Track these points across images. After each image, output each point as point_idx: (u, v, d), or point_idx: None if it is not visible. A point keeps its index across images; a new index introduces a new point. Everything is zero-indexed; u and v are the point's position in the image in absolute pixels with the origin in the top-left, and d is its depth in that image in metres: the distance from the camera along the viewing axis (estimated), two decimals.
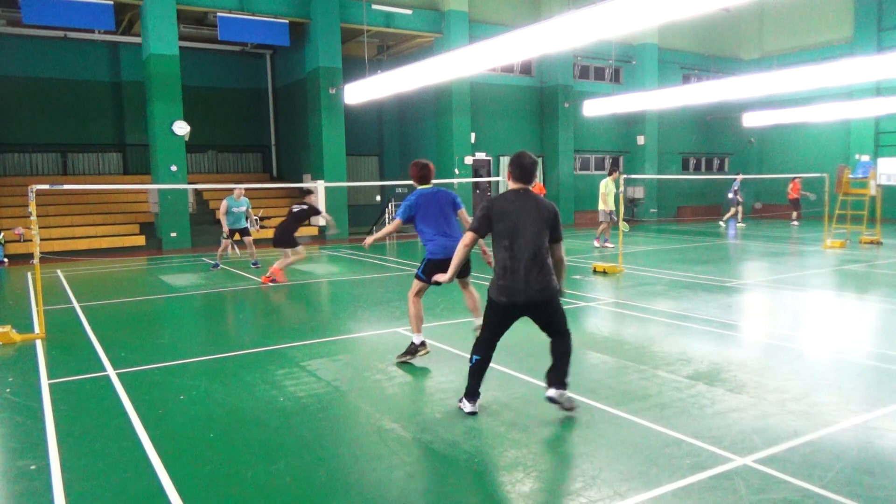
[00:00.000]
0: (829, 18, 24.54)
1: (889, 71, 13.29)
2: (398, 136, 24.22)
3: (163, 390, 5.15)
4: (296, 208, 10.58)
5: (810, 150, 25.58)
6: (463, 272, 5.69)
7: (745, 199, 21.97)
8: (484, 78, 21.53)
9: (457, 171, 20.32)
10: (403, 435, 4.13)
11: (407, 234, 18.55)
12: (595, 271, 11.13)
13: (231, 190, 12.14)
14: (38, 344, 6.72)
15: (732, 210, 21.46)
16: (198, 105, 19.79)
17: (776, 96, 24.95)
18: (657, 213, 25.99)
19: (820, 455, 3.71)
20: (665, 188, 26.55)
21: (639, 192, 25.33)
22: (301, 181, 20.42)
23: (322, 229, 19.16)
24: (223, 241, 12.38)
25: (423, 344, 5.74)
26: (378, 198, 22.72)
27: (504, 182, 22.40)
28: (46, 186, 7.65)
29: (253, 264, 12.30)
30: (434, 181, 5.95)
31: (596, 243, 15.22)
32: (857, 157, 22.59)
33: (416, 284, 5.75)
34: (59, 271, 12.61)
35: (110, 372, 5.67)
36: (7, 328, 6.85)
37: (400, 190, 21.86)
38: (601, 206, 14.85)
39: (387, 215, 20.26)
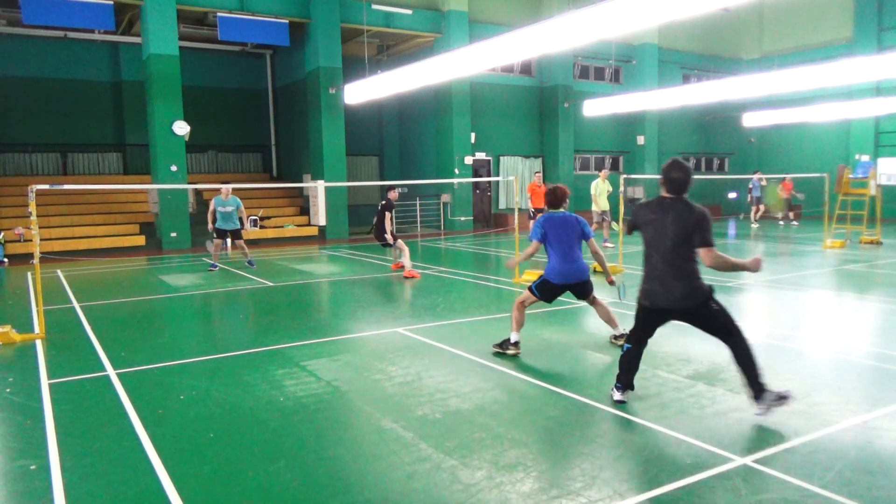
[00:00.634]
0: (829, 18, 24.53)
1: (889, 71, 13.31)
2: (398, 136, 24.22)
3: (163, 390, 5.15)
4: (380, 206, 11.21)
5: (810, 149, 25.57)
6: (582, 294, 5.96)
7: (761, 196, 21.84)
8: (484, 78, 21.50)
9: (457, 171, 20.31)
10: (403, 435, 4.13)
11: (407, 234, 18.55)
12: (595, 271, 11.11)
13: (219, 190, 11.94)
14: (38, 344, 6.72)
15: (755, 209, 21.32)
16: (198, 105, 19.76)
17: (776, 96, 24.94)
18: None
19: (820, 455, 3.71)
20: None
21: (639, 192, 25.30)
22: (301, 181, 20.43)
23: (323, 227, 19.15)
24: (213, 241, 12.22)
25: (516, 344, 5.90)
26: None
27: (504, 182, 22.47)
28: (46, 186, 7.65)
29: (248, 263, 12.25)
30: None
31: None
32: (856, 156, 22.56)
33: (527, 294, 5.94)
34: (59, 271, 12.61)
35: (110, 372, 5.67)
36: (7, 328, 6.85)
37: (400, 190, 21.78)
38: (593, 208, 15.22)
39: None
